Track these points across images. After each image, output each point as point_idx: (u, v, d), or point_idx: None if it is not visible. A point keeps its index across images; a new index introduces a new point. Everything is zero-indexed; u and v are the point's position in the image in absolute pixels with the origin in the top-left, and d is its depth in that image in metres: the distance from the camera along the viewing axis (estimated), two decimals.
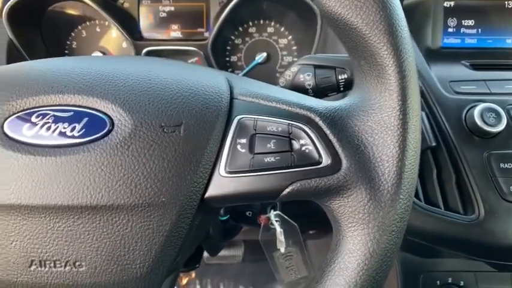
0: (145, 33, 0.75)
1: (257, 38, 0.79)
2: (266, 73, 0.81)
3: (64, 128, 0.29)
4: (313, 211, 0.42)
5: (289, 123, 0.31)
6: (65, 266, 0.29)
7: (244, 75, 0.80)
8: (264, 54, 0.78)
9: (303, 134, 0.31)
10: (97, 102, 0.29)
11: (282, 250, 0.47)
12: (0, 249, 0.29)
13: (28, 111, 0.29)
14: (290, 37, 0.79)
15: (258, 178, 0.30)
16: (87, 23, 0.77)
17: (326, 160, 0.30)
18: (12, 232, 0.29)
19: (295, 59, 0.80)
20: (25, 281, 0.29)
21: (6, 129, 0.29)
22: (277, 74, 0.81)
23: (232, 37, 0.78)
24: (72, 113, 0.29)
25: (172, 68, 0.34)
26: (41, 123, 0.29)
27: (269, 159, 0.30)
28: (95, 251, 0.29)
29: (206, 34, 0.76)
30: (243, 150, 0.30)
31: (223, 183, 0.30)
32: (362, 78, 0.32)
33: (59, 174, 0.28)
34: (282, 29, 0.79)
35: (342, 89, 0.44)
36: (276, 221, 0.48)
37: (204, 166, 0.30)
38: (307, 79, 0.44)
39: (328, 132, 0.31)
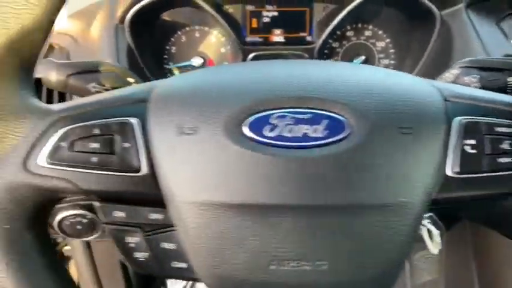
0: (248, 38, 0.76)
1: (354, 41, 0.79)
2: None
3: (306, 129, 0.29)
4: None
5: None
6: (307, 265, 0.29)
7: None
8: (363, 57, 0.78)
9: None
10: (334, 105, 0.30)
11: (436, 251, 0.47)
12: (240, 249, 0.29)
13: (264, 113, 0.30)
14: (388, 40, 0.79)
15: (491, 178, 0.30)
16: (187, 29, 0.79)
17: None
18: (255, 232, 0.29)
19: (392, 62, 0.80)
20: (264, 281, 0.30)
21: (245, 130, 0.29)
22: None
23: (330, 40, 0.78)
24: (310, 115, 0.30)
25: (380, 73, 0.34)
26: (281, 124, 0.29)
27: (502, 159, 0.30)
28: (336, 250, 0.29)
29: (308, 38, 0.76)
30: (473, 151, 0.30)
31: (450, 184, 0.30)
32: None
33: (304, 174, 0.28)
34: (380, 32, 0.79)
35: (508, 91, 0.43)
36: (428, 222, 0.47)
37: (434, 167, 0.30)
38: (473, 81, 0.43)
39: None
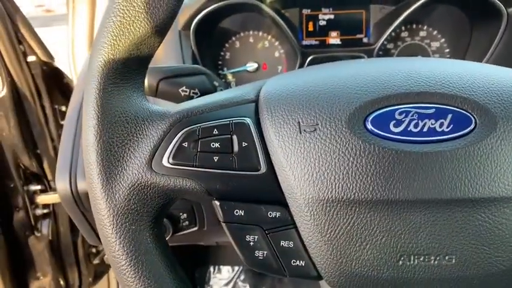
0: (305, 41, 0.77)
1: (409, 42, 0.79)
2: None
3: (432, 124, 0.29)
4: None
5: None
6: (435, 259, 0.29)
7: None
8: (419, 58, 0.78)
9: None
10: (456, 99, 0.30)
11: None
12: (368, 245, 0.29)
13: (388, 109, 0.30)
14: (443, 40, 0.78)
15: None
16: (241, 34, 0.80)
17: None
18: (384, 228, 0.29)
19: None
20: (391, 276, 0.30)
21: (369, 126, 0.30)
22: None
23: (385, 42, 0.78)
24: (434, 109, 0.30)
25: (491, 67, 0.34)
26: (406, 120, 0.29)
27: None
28: (465, 245, 0.29)
29: (365, 40, 0.76)
30: None
31: None
32: None
33: (434, 168, 0.28)
34: (435, 32, 0.78)
35: None
36: None
37: None
38: None
39: None
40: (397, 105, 0.30)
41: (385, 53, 0.78)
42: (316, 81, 0.33)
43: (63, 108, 1.11)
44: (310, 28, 0.76)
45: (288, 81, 0.34)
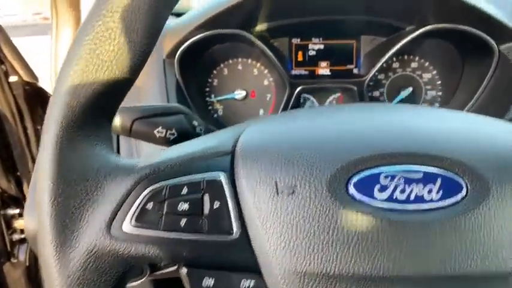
0: (294, 71, 0.75)
1: (400, 73, 0.78)
2: None
3: (420, 190, 0.27)
4: None
5: None
6: None
7: None
8: (410, 89, 0.76)
9: None
10: (446, 162, 0.27)
11: None
12: None
13: (372, 171, 0.27)
14: (435, 72, 0.77)
15: None
16: (230, 61, 0.78)
17: None
18: None
19: (439, 94, 0.78)
20: None
21: (352, 190, 0.27)
22: None
23: (376, 72, 0.76)
24: (422, 174, 0.27)
25: (487, 123, 0.31)
26: (392, 184, 0.27)
27: None
28: None
29: (355, 71, 0.74)
30: None
31: None
32: None
33: (420, 241, 0.26)
34: (427, 63, 0.77)
35: None
36: None
37: None
38: None
39: None
40: (383, 166, 0.27)
41: (375, 83, 0.77)
42: (298, 133, 0.30)
43: None
44: (300, 58, 0.74)
45: (268, 131, 0.32)
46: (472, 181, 0.27)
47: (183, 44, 0.63)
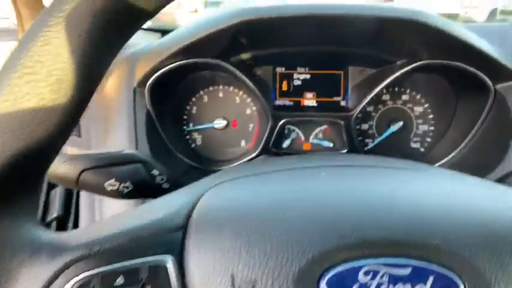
0: (278, 101, 0.70)
1: (390, 105, 0.73)
2: (399, 143, 0.74)
3: None
4: None
5: None
6: None
7: (376, 145, 0.74)
8: (400, 123, 0.72)
9: None
10: (439, 254, 0.22)
11: None
12: None
13: (349, 265, 0.22)
14: (427, 105, 0.73)
15: None
16: (210, 88, 0.73)
17: None
18: None
19: (431, 128, 0.73)
20: None
21: None
22: (411, 144, 0.74)
23: (365, 105, 0.72)
24: (410, 269, 0.22)
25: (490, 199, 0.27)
26: (373, 284, 0.22)
27: None
28: None
29: (343, 103, 0.70)
30: None
31: None
32: None
33: None
34: (418, 96, 0.73)
35: None
36: None
37: None
38: None
39: None
40: (362, 258, 0.22)
41: (364, 116, 0.72)
42: (266, 205, 0.25)
43: None
44: (284, 87, 0.69)
45: (231, 197, 0.27)
46: (471, 280, 0.22)
47: (155, 72, 0.58)
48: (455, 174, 0.32)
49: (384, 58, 0.64)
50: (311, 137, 0.73)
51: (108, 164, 0.36)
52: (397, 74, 0.61)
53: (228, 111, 0.73)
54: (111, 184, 0.36)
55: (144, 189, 0.38)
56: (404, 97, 0.73)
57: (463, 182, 0.30)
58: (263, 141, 0.68)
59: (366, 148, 0.73)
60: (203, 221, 0.25)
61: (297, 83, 0.69)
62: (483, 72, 0.57)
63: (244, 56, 0.66)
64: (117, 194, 0.37)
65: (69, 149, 0.37)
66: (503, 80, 0.57)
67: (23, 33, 0.80)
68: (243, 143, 0.74)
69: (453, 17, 1.35)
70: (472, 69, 0.56)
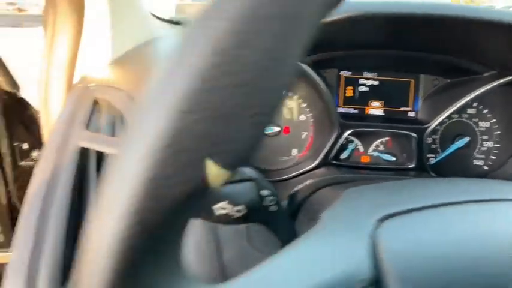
0: (341, 109, 0.64)
1: (456, 118, 0.68)
2: (461, 159, 0.69)
3: None
4: None
5: None
6: None
7: (440, 160, 0.68)
8: (467, 138, 0.67)
9: None
10: None
11: None
12: None
13: None
14: (493, 120, 0.68)
15: None
16: None
17: None
18: None
19: (496, 145, 0.68)
20: None
21: None
22: (474, 161, 0.69)
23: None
24: None
25: None
26: None
27: None
28: None
29: (411, 114, 0.64)
30: None
31: None
32: None
33: None
34: (485, 110, 0.68)
35: None
36: None
37: None
38: None
39: None
40: None
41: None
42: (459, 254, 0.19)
43: (25, 146, 0.92)
44: (349, 93, 0.63)
45: (420, 247, 0.20)
46: None
47: None
48: None
49: (466, 67, 0.58)
50: (370, 149, 0.67)
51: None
52: (488, 87, 0.56)
53: (281, 117, 0.66)
54: (222, 207, 0.28)
55: (254, 213, 0.31)
56: (470, 111, 0.68)
57: None
58: (324, 152, 0.62)
59: (427, 164, 0.68)
60: (401, 275, 0.19)
61: (362, 89, 0.63)
62: None
63: (309, 56, 0.59)
64: (224, 220, 0.29)
65: None
66: None
67: (49, 20, 0.71)
68: (294, 152, 0.67)
69: None
70: None
